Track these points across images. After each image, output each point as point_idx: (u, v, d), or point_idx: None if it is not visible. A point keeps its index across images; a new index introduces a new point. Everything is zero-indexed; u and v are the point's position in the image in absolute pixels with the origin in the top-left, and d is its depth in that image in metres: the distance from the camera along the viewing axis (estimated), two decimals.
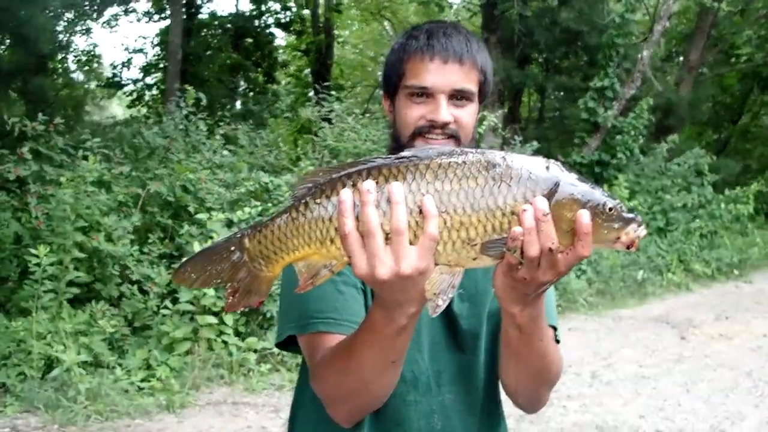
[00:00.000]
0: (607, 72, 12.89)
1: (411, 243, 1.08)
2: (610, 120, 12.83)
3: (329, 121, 9.73)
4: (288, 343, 1.54)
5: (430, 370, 1.58)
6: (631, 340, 8.00)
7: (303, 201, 1.15)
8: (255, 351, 6.00)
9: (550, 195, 1.10)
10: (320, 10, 20.84)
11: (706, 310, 9.69)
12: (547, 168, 1.13)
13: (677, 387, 6.43)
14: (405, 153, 1.15)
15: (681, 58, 20.07)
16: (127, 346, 5.71)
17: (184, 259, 1.31)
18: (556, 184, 1.11)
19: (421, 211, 1.08)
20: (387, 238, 1.08)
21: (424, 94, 1.53)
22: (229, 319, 5.97)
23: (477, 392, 1.64)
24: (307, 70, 22.02)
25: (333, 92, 11.18)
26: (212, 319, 5.87)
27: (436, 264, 1.12)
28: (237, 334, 6.11)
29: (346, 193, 1.09)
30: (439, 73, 1.51)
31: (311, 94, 10.38)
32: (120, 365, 5.43)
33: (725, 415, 5.79)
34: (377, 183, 1.09)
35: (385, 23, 25.96)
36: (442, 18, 23.24)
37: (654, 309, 9.71)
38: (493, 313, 1.59)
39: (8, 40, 10.94)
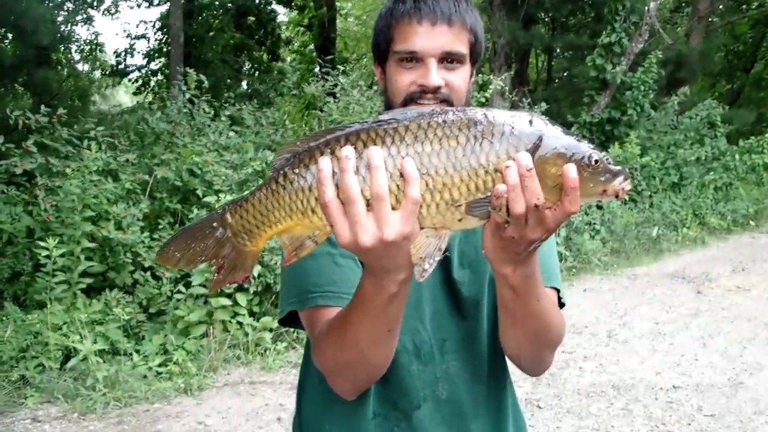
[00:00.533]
0: (614, 27, 12.68)
1: (394, 208, 1.07)
2: (619, 76, 12.66)
3: (334, 95, 9.69)
4: (291, 320, 1.54)
5: (433, 339, 1.58)
6: (647, 297, 7.97)
7: (282, 172, 1.13)
8: (270, 330, 6.04)
9: (533, 150, 1.07)
10: None
11: (723, 263, 9.63)
12: (531, 122, 1.10)
13: (694, 342, 6.41)
14: (383, 116, 1.12)
15: (690, 9, 19.66)
16: (144, 333, 5.77)
17: (167, 239, 1.30)
18: (540, 139, 1.08)
19: (402, 175, 1.06)
20: (369, 204, 1.06)
21: (414, 58, 1.49)
22: (242, 299, 6.00)
23: (482, 359, 1.62)
24: (311, 46, 21.90)
25: (339, 66, 11.13)
26: (226, 301, 5.91)
27: (422, 227, 1.10)
28: (251, 314, 6.14)
29: (324, 162, 1.07)
30: (428, 36, 1.48)
31: (316, 69, 10.29)
32: (137, 351, 5.50)
33: (743, 366, 5.77)
34: (356, 149, 1.07)
35: None
36: None
37: (670, 265, 9.65)
38: (494, 278, 1.58)
39: (10, 34, 10.93)
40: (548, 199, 1.08)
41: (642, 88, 12.77)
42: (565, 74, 20.64)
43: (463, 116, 1.09)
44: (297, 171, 1.12)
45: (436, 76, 1.48)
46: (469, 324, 1.61)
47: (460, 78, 1.52)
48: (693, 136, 13.21)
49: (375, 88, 10.95)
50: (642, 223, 10.91)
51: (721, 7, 20.64)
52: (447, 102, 1.50)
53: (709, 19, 18.61)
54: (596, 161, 1.09)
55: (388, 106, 1.58)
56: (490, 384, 1.65)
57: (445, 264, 1.58)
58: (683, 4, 21.21)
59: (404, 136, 1.08)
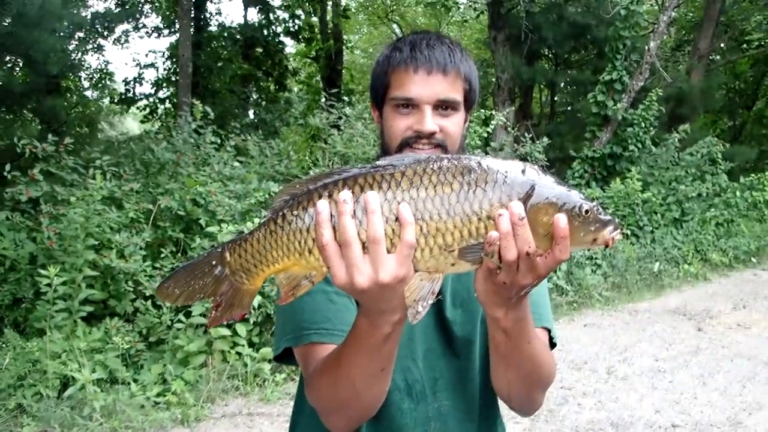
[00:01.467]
0: (615, 65, 12.82)
1: (389, 251, 1.09)
2: (620, 113, 12.76)
3: (338, 127, 9.78)
4: (286, 356, 1.57)
5: (425, 378, 1.60)
6: (648, 333, 7.95)
7: (281, 213, 1.17)
8: (269, 361, 6.03)
9: (525, 199, 1.11)
10: (328, 17, 20.94)
11: (724, 299, 9.60)
12: (523, 171, 1.13)
13: (694, 379, 6.39)
14: (380, 162, 1.15)
15: (691, 47, 19.87)
16: (143, 362, 5.78)
17: (166, 275, 1.33)
18: (532, 188, 1.11)
19: (397, 219, 1.09)
20: (365, 247, 1.09)
21: (410, 105, 1.55)
22: (242, 330, 6.02)
23: (474, 398, 1.65)
24: (318, 77, 22.12)
25: (345, 98, 11.25)
26: (225, 331, 5.92)
27: (415, 271, 1.13)
28: (251, 344, 6.15)
29: (322, 204, 1.10)
30: (424, 84, 1.54)
31: (323, 100, 10.41)
32: (135, 381, 5.50)
33: (742, 405, 5.75)
34: (353, 193, 1.10)
35: (394, 26, 26.01)
36: (448, 19, 23.25)
37: (671, 301, 9.63)
38: (486, 318, 1.60)
39: (20, 62, 11.08)
40: (539, 246, 1.11)
41: (643, 124, 12.87)
42: (568, 109, 20.77)
43: (458, 164, 1.13)
44: (295, 213, 1.15)
45: (431, 122, 1.54)
46: (462, 363, 1.64)
47: (454, 124, 1.57)
48: (694, 173, 13.26)
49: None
50: (644, 258, 10.91)
51: (722, 45, 20.84)
52: (441, 147, 1.56)
53: (710, 58, 18.78)
54: (587, 211, 1.12)
55: (384, 148, 1.63)
56: (481, 423, 1.67)
57: (437, 303, 1.61)
58: (684, 43, 21.42)
59: (400, 182, 1.12)
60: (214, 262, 1.23)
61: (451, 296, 1.65)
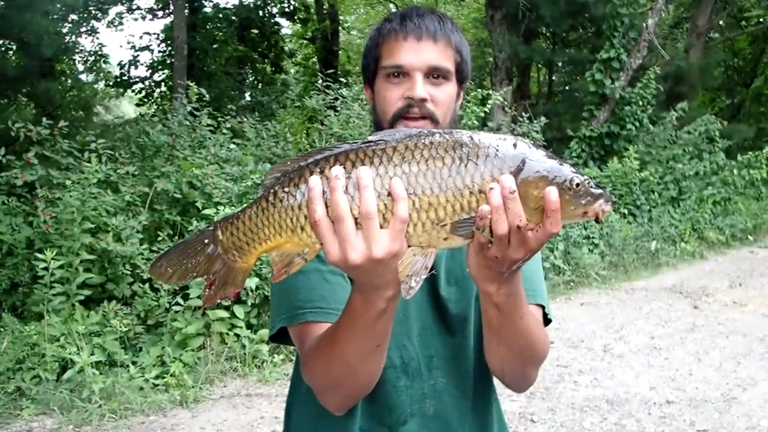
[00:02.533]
0: (612, 43, 12.77)
1: (381, 226, 1.09)
2: (617, 91, 12.72)
3: (334, 109, 9.74)
4: (281, 336, 1.56)
5: (420, 355, 1.60)
6: (644, 311, 7.99)
7: (272, 190, 1.16)
8: (267, 342, 6.06)
9: (516, 172, 1.10)
10: None
11: (720, 277, 9.65)
12: (515, 145, 1.12)
13: (689, 356, 6.43)
14: (371, 137, 1.15)
15: (689, 25, 19.78)
16: (141, 344, 5.81)
17: (159, 254, 1.33)
18: (523, 162, 1.11)
19: (389, 194, 1.09)
20: (357, 222, 1.09)
21: (401, 73, 1.53)
22: (240, 312, 6.04)
23: (468, 375, 1.65)
24: (314, 58, 22.01)
25: (342, 79, 11.19)
26: (223, 313, 5.95)
27: (408, 246, 1.13)
28: (249, 326, 6.18)
29: (314, 180, 1.10)
30: (414, 51, 1.52)
31: (319, 82, 10.35)
32: (134, 363, 5.53)
33: (737, 381, 5.79)
34: (345, 168, 1.10)
35: (390, 5, 25.83)
36: None
37: (668, 279, 9.67)
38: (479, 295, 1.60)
39: (13, 46, 11.01)
40: (530, 220, 1.10)
41: (641, 103, 12.84)
42: (566, 88, 20.70)
43: (450, 138, 1.12)
44: (287, 189, 1.14)
45: (421, 88, 1.52)
46: (457, 340, 1.64)
47: (445, 94, 1.55)
48: (692, 151, 13.26)
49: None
50: (641, 237, 10.94)
51: (721, 22, 20.73)
52: (431, 118, 1.54)
53: (708, 35, 18.69)
54: (577, 184, 1.12)
55: (377, 124, 1.62)
56: (476, 400, 1.68)
57: (432, 281, 1.62)
58: (682, 20, 21.31)
59: (392, 157, 1.11)
60: (206, 241, 1.23)
61: (446, 274, 1.65)
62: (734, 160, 13.71)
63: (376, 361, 1.35)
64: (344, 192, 1.09)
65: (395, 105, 1.54)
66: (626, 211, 11.66)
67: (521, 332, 1.39)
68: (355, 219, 1.09)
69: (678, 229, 11.69)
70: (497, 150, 1.11)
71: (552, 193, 1.09)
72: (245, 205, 1.23)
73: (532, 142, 1.15)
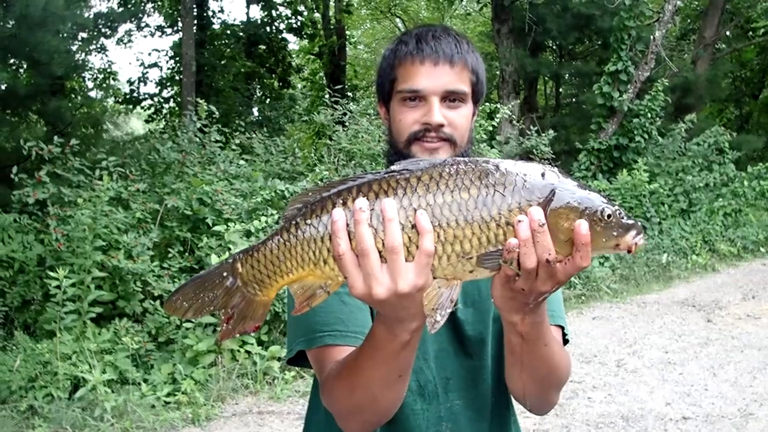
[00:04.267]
0: (619, 55, 12.76)
1: (406, 259, 1.07)
2: (625, 104, 12.71)
3: (342, 124, 9.77)
4: (298, 358, 1.55)
5: (437, 378, 1.59)
6: (657, 325, 7.93)
7: (294, 222, 1.13)
8: (278, 359, 6.05)
9: (546, 203, 1.07)
10: (330, 13, 20.91)
11: (733, 290, 9.58)
12: (543, 175, 1.09)
13: (704, 371, 6.37)
14: (395, 167, 1.12)
15: (696, 36, 19.78)
16: (152, 362, 5.80)
17: (175, 288, 1.30)
18: (552, 192, 1.08)
19: (414, 227, 1.06)
20: (381, 255, 1.06)
21: (417, 97, 1.53)
22: None
23: (485, 396, 1.64)
24: (321, 73, 22.11)
25: (349, 93, 11.24)
26: None
27: (434, 278, 1.10)
28: (260, 343, 6.16)
29: (338, 213, 1.07)
30: (430, 76, 1.51)
31: (327, 96, 10.40)
32: (145, 381, 5.52)
33: (753, 397, 5.73)
34: (368, 199, 1.07)
35: (397, 20, 25.96)
36: (451, 12, 23.20)
37: (680, 292, 9.60)
38: (497, 317, 1.56)
39: (24, 65, 11.08)
40: (559, 252, 1.08)
41: (649, 115, 12.82)
42: (574, 101, 20.71)
43: (475, 168, 1.09)
44: (309, 221, 1.12)
45: (438, 114, 1.51)
46: (473, 363, 1.63)
47: (462, 116, 1.55)
48: (701, 163, 13.21)
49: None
50: (651, 250, 10.88)
51: (728, 33, 20.72)
52: (449, 140, 1.54)
53: (716, 46, 18.67)
54: (609, 216, 1.08)
55: (392, 144, 1.61)
56: (493, 422, 1.66)
57: None
58: (689, 32, 21.31)
59: (416, 188, 1.08)
60: (225, 274, 1.19)
61: (462, 296, 1.63)
62: (744, 171, 13.65)
63: (398, 389, 1.34)
64: (368, 224, 1.07)
65: (411, 128, 1.54)
66: None
67: (545, 359, 1.38)
68: (379, 251, 1.06)
69: (689, 241, 11.63)
70: (525, 180, 1.08)
71: (582, 226, 1.06)
72: (265, 237, 1.21)
73: (560, 170, 1.12)
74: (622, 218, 1.10)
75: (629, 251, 1.11)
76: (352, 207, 1.07)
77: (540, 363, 1.38)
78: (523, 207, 1.07)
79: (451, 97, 1.53)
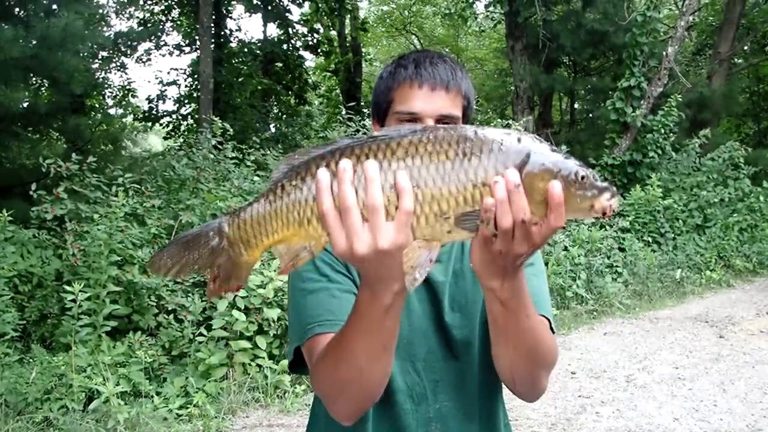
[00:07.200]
0: (633, 71, 12.81)
1: (387, 219, 1.12)
2: (639, 119, 12.73)
3: None
4: (299, 365, 1.62)
5: (425, 380, 1.66)
6: (668, 341, 7.92)
7: (280, 184, 1.18)
8: (289, 373, 6.09)
9: (521, 166, 1.10)
10: (347, 30, 21.14)
11: (747, 306, 9.52)
12: (519, 140, 1.13)
13: (714, 387, 6.36)
14: (376, 133, 1.18)
15: (711, 51, 19.74)
16: (165, 375, 5.89)
17: (160, 247, 1.36)
18: (528, 155, 1.11)
19: (395, 187, 1.11)
20: (363, 215, 1.11)
21: (413, 119, 1.62)
22: (262, 342, 6.11)
23: (473, 399, 1.70)
24: (337, 90, 22.32)
25: (365, 110, 11.36)
26: (246, 344, 6.02)
27: (414, 239, 1.14)
28: (271, 357, 6.24)
29: (323, 173, 1.12)
30: (427, 100, 1.61)
31: (342, 112, 10.54)
32: (158, 394, 5.61)
33: (762, 413, 5.71)
34: (351, 162, 1.12)
35: (413, 38, 26.15)
36: (466, 29, 23.32)
37: (693, 308, 9.57)
38: (484, 320, 1.61)
39: (45, 83, 11.32)
40: (535, 213, 1.12)
41: (663, 130, 12.83)
42: (589, 116, 20.72)
43: (454, 133, 1.14)
44: (294, 183, 1.17)
45: None
46: (461, 365, 1.69)
47: None
48: (716, 178, 13.17)
49: None
50: (665, 266, 10.85)
51: (745, 48, 20.66)
52: None
53: (732, 61, 18.63)
54: (583, 177, 1.12)
55: None
56: (482, 423, 1.73)
57: (436, 308, 1.68)
58: (705, 47, 21.28)
59: (396, 151, 1.13)
60: (211, 234, 1.23)
61: (450, 301, 1.71)
62: (760, 186, 13.58)
63: (384, 362, 1.37)
64: (351, 184, 1.12)
65: None
66: (650, 239, 11.59)
67: (528, 331, 1.40)
68: (361, 212, 1.11)
69: (703, 257, 11.58)
70: (501, 144, 1.12)
71: (556, 186, 1.10)
72: (252, 199, 1.27)
73: (536, 136, 1.16)
74: (596, 181, 1.14)
75: (604, 214, 1.15)
76: (336, 168, 1.12)
77: (523, 334, 1.40)
78: (500, 169, 1.11)
79: (444, 121, 1.63)
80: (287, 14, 19.57)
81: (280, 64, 20.05)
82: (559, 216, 1.12)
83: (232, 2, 19.17)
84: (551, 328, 1.69)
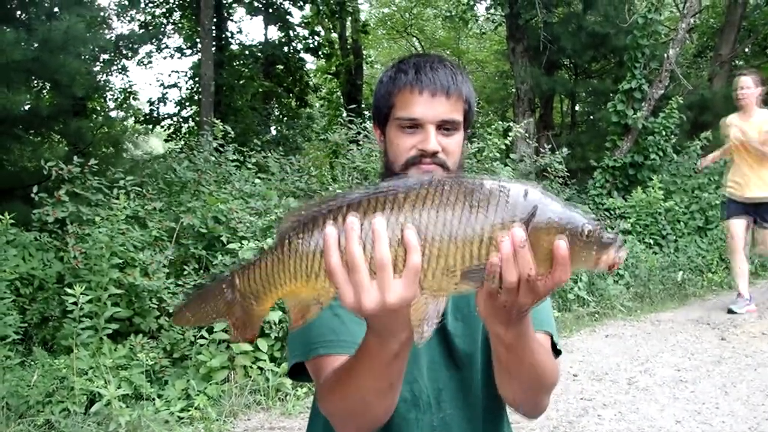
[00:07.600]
0: (634, 74, 12.79)
1: (394, 273, 1.12)
2: (640, 121, 12.72)
3: (357, 143, 9.90)
4: (299, 373, 1.66)
5: (429, 389, 1.68)
6: (670, 343, 7.90)
7: (287, 238, 1.19)
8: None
9: (527, 221, 1.11)
10: (348, 33, 21.15)
11: None
12: (526, 193, 1.14)
13: (716, 389, 6.34)
14: (383, 184, 1.18)
15: (712, 53, 19.72)
16: (167, 378, 5.89)
17: (180, 302, 1.41)
18: (534, 209, 1.12)
19: (401, 242, 1.12)
20: (371, 270, 1.12)
21: (414, 125, 1.63)
22: (264, 345, 6.11)
23: (476, 407, 1.72)
24: (338, 92, 22.34)
25: (365, 112, 11.38)
26: (247, 347, 6.02)
27: (421, 291, 1.15)
28: (272, 359, 6.23)
29: (330, 229, 1.13)
30: (428, 106, 1.62)
31: (344, 114, 10.56)
32: (160, 396, 5.61)
33: (764, 415, 5.69)
34: (358, 217, 1.14)
35: (414, 40, 26.16)
36: (467, 32, 23.33)
37: (695, 310, 9.55)
38: (486, 335, 1.65)
39: (47, 86, 11.32)
40: (541, 268, 1.13)
41: (664, 132, 12.81)
42: (590, 118, 20.72)
43: (460, 186, 1.15)
44: (301, 237, 1.18)
45: (434, 141, 1.62)
46: (464, 374, 1.71)
47: (455, 143, 1.66)
48: (718, 180, 13.13)
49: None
50: (667, 268, 10.83)
51: (747, 50, 20.65)
52: (443, 165, 1.64)
53: (733, 63, 18.62)
54: (589, 232, 1.13)
55: (388, 165, 1.71)
56: (485, 429, 1.75)
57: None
58: (706, 49, 21.27)
59: (403, 205, 1.14)
60: (224, 287, 1.28)
61: (452, 310, 1.72)
62: None
63: (391, 398, 1.40)
64: (359, 239, 1.13)
65: (408, 153, 1.64)
66: (651, 242, 11.57)
67: (531, 367, 1.43)
68: (369, 266, 1.12)
69: (705, 259, 11.55)
70: (508, 198, 1.13)
71: (561, 243, 1.11)
72: (261, 252, 1.30)
73: (542, 188, 1.17)
74: (602, 236, 1.15)
75: (611, 268, 1.16)
76: (342, 224, 1.13)
77: (527, 371, 1.43)
78: (506, 224, 1.11)
79: (445, 126, 1.64)
80: (288, 17, 19.59)
81: (281, 67, 20.07)
82: (565, 271, 1.13)
83: (233, 5, 19.20)
84: (553, 342, 1.70)
